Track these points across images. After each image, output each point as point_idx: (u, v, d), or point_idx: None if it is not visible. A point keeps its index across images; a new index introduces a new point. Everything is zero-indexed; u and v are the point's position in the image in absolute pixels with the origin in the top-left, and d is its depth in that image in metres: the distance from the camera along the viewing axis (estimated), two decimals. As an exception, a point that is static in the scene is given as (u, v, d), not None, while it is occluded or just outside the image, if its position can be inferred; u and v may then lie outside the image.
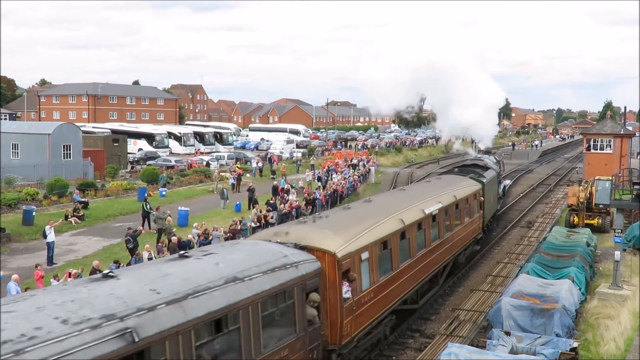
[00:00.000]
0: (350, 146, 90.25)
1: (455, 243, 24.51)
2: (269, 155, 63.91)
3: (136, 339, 9.12)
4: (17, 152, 47.94)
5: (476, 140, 59.38)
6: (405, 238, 19.02)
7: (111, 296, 9.72)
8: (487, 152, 47.70)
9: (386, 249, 17.60)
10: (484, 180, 30.79)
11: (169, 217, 28.50)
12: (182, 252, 13.28)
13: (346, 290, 14.82)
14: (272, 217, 30.29)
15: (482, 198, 29.28)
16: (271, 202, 33.86)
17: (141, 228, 28.89)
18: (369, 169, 56.94)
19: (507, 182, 48.60)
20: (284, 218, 30.58)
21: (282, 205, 32.81)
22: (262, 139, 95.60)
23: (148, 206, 31.74)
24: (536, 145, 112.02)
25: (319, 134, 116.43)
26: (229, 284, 11.44)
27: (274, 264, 12.88)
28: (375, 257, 16.62)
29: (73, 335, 8.45)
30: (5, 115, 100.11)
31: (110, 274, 10.83)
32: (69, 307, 9.09)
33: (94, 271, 19.40)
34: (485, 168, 34.24)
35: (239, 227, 26.88)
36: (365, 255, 15.98)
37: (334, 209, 22.43)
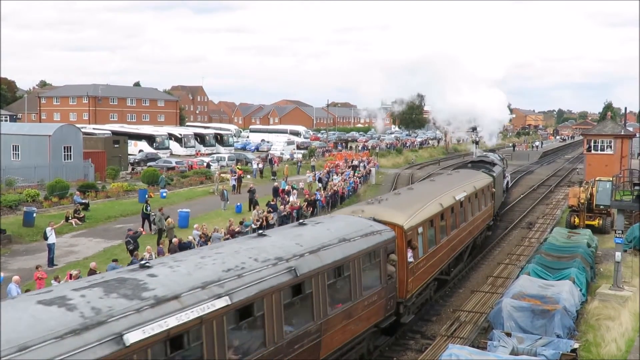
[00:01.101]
0: (350, 147, 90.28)
1: (475, 227, 28.34)
2: (269, 157, 63.94)
3: (298, 274, 13.00)
4: (18, 154, 47.95)
5: (479, 132, 60.50)
6: (443, 219, 22.83)
7: (274, 246, 13.61)
8: (492, 150, 49.73)
9: (432, 227, 21.42)
10: (494, 174, 34.53)
11: (169, 219, 28.49)
12: (300, 220, 17.97)
13: (410, 256, 18.65)
14: (272, 218, 30.27)
15: (493, 189, 33.11)
16: (272, 203, 33.86)
17: (141, 229, 28.88)
18: (370, 170, 56.94)
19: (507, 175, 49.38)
20: (284, 219, 30.57)
21: (283, 207, 32.79)
22: (262, 140, 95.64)
23: (148, 208, 31.73)
24: (537, 146, 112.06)
25: (319, 135, 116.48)
26: (342, 243, 15.32)
27: (365, 230, 16.74)
28: (426, 232, 20.55)
29: (264, 269, 12.39)
30: (6, 117, 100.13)
31: (263, 233, 14.98)
32: (252, 252, 13.02)
33: (91, 272, 19.54)
34: (493, 164, 38.37)
35: (236, 228, 26.79)
36: (420, 229, 19.86)
37: (387, 194, 26.01)
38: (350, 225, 16.79)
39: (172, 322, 9.71)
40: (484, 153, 47.71)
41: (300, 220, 17.21)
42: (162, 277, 10.76)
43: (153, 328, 9.37)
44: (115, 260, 21.52)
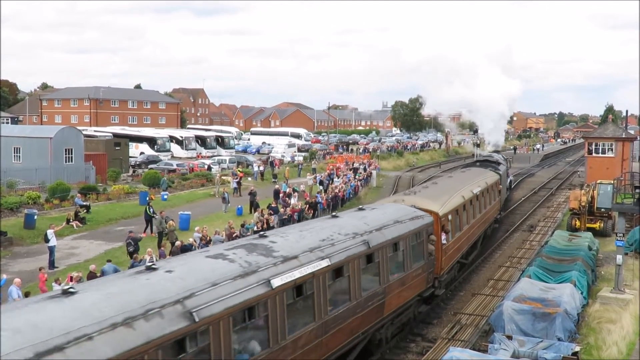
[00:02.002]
0: (351, 150, 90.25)
1: (487, 218, 31.83)
2: (270, 159, 63.93)
3: (370, 246, 16.18)
4: (19, 156, 47.95)
5: (480, 131, 62.20)
6: (465, 209, 25.88)
7: (348, 224, 16.78)
8: (496, 151, 56.28)
9: (457, 215, 24.56)
10: (500, 173, 38.33)
11: (170, 221, 28.46)
12: (360, 206, 20.98)
13: (443, 238, 21.89)
14: (273, 221, 30.24)
15: (500, 186, 36.62)
16: (273, 205, 33.84)
17: (143, 234, 28.81)
18: (371, 173, 56.92)
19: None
20: (285, 222, 30.54)
21: (283, 209, 32.75)
22: (263, 142, 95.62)
23: (151, 210, 31.68)
24: (538, 149, 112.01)
25: (320, 137, 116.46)
26: (396, 224, 18.38)
27: (411, 215, 19.90)
28: (453, 219, 23.74)
29: (347, 240, 15.54)
30: (7, 119, 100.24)
31: (335, 215, 18.39)
32: (334, 228, 16.14)
33: (91, 274, 19.92)
34: (498, 163, 41.91)
35: (235, 233, 26.68)
36: (450, 217, 23.10)
37: (418, 186, 29.94)
38: (399, 210, 20.10)
39: (296, 274, 13.02)
40: (490, 153, 50.52)
41: (360, 206, 20.68)
42: (280, 243, 13.98)
43: (286, 277, 12.68)
44: (109, 261, 21.84)
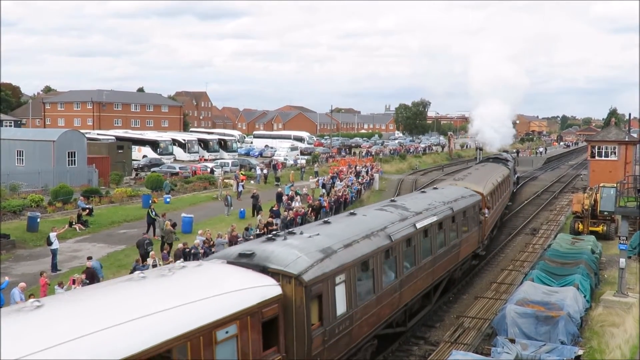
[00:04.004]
0: (354, 153, 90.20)
1: (504, 203, 38.90)
2: (273, 162, 63.93)
3: (453, 210, 23.07)
4: (22, 159, 48.05)
5: (481, 143, 65.14)
6: (495, 194, 32.59)
7: (437, 196, 24.05)
8: (505, 151, 63.41)
9: (491, 197, 30.97)
10: (510, 168, 45.29)
11: (167, 221, 28.44)
12: (434, 186, 31.35)
13: (486, 212, 28.58)
14: (275, 225, 30.22)
15: (510, 179, 43.21)
16: (275, 209, 33.81)
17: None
18: (373, 176, 56.88)
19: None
20: (288, 225, 30.51)
21: (286, 212, 32.73)
22: (266, 145, 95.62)
23: (154, 212, 31.68)
24: (540, 152, 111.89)
25: (323, 140, 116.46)
26: (462, 198, 25.38)
27: (469, 193, 27.00)
28: (491, 199, 30.68)
29: (441, 205, 22.62)
30: (10, 122, 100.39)
31: (424, 190, 27.34)
32: (430, 198, 23.34)
33: (88, 270, 20.57)
34: (507, 160, 48.23)
35: (236, 233, 26.63)
36: (489, 197, 29.72)
37: (460, 174, 36.19)
38: (459, 190, 26.99)
39: (424, 222, 20.01)
40: (499, 152, 58.05)
41: (434, 186, 29.20)
42: (407, 205, 20.92)
43: (422, 223, 19.72)
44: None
